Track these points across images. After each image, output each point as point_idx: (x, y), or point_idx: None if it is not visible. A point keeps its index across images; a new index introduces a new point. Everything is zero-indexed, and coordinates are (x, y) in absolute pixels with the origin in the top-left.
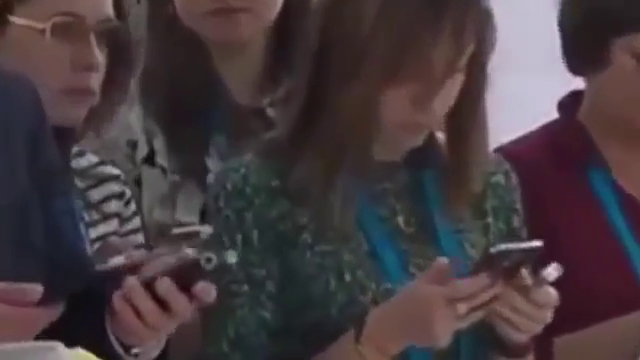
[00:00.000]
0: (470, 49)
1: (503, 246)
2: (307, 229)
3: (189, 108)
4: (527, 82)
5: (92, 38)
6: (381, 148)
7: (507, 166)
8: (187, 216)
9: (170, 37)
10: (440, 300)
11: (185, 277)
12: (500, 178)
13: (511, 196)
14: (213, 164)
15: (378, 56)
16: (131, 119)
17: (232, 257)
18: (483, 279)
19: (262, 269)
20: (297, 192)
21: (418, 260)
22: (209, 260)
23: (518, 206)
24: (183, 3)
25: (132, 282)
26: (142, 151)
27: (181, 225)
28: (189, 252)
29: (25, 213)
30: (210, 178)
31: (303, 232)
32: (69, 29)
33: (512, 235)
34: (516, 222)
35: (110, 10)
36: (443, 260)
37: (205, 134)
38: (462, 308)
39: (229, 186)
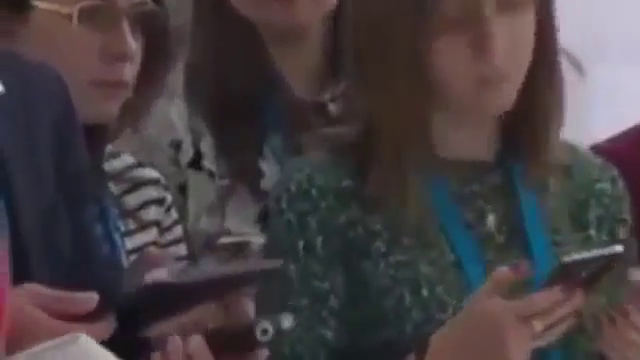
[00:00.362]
0: None
1: (578, 255)
2: (380, 236)
3: (241, 104)
4: (622, 73)
5: (125, 24)
6: (463, 139)
7: (614, 172)
8: (238, 225)
9: (219, 24)
10: (512, 317)
11: (234, 342)
12: (606, 185)
13: (618, 205)
14: (268, 167)
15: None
16: (174, 117)
17: (288, 322)
18: (557, 292)
19: (325, 282)
20: (372, 194)
21: None
22: (265, 332)
23: (626, 216)
24: None
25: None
26: (187, 153)
27: (229, 235)
28: (244, 312)
29: (53, 220)
30: (264, 182)
31: (376, 240)
32: (98, 14)
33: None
34: (622, 233)
35: None
36: (504, 269)
37: (259, 133)
38: (538, 325)
39: (293, 187)
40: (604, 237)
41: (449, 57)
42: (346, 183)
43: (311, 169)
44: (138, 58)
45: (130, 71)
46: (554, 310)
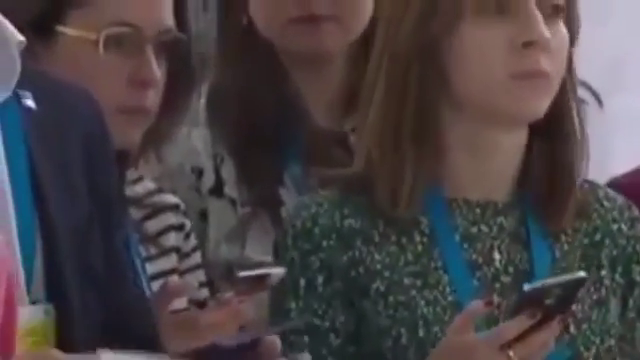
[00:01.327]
0: None
1: (539, 283)
2: (381, 276)
3: (263, 132)
4: None
5: (150, 51)
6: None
7: (635, 213)
8: (258, 253)
9: (243, 51)
10: (487, 349)
11: None
12: (623, 226)
13: (634, 247)
14: (288, 196)
15: None
16: (197, 144)
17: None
18: (524, 320)
19: (325, 320)
20: (382, 230)
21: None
22: None
23: None
24: (261, 11)
25: None
26: (209, 180)
27: (250, 266)
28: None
29: (87, 240)
30: (284, 211)
31: (376, 279)
32: (125, 41)
33: (633, 288)
34: (637, 275)
35: (170, 20)
36: (478, 302)
37: (280, 162)
38: (515, 355)
39: (298, 225)
40: (618, 278)
41: (481, 44)
42: (349, 222)
43: (316, 207)
44: (161, 85)
45: (154, 98)
46: (531, 339)
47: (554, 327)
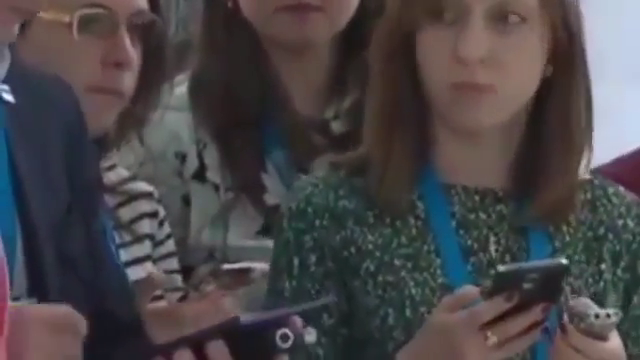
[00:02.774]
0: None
1: (515, 265)
2: (372, 256)
3: (246, 118)
4: (623, 92)
5: (124, 32)
6: (471, 166)
7: None
8: (241, 238)
9: (227, 36)
10: (464, 328)
11: (254, 346)
12: (629, 222)
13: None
14: (270, 182)
15: None
16: (181, 129)
17: (311, 336)
18: (501, 302)
19: (318, 300)
20: (377, 212)
21: None
22: (285, 338)
23: None
24: None
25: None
26: (192, 165)
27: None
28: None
29: (66, 231)
30: (267, 197)
31: (366, 259)
32: (98, 22)
33: (638, 285)
34: None
35: (144, 2)
36: (470, 287)
37: (262, 148)
38: (493, 337)
39: (293, 206)
40: (620, 273)
41: (430, 51)
42: (343, 203)
43: (312, 188)
44: (136, 67)
45: (128, 80)
46: (509, 323)
47: (535, 313)
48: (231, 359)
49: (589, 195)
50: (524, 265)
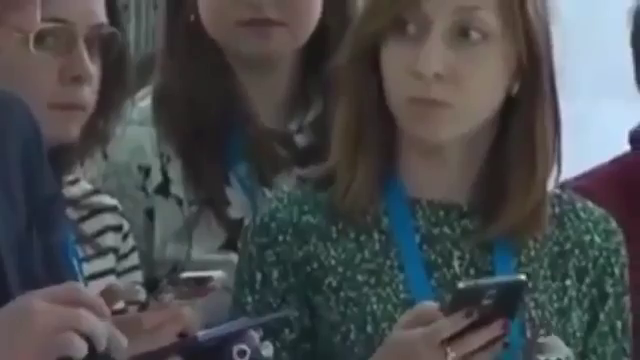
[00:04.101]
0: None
1: (473, 281)
2: (334, 272)
3: (209, 132)
4: (596, 107)
5: (82, 46)
6: (435, 180)
7: (611, 226)
8: (204, 252)
9: (189, 49)
10: (424, 345)
11: None
12: (596, 238)
13: (607, 259)
14: (234, 195)
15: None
16: (144, 142)
17: (267, 351)
18: (460, 318)
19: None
20: (341, 227)
21: None
22: (242, 354)
23: (616, 270)
24: (211, 11)
25: None
26: (155, 179)
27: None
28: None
29: (27, 246)
30: (231, 211)
31: (329, 275)
32: (55, 37)
33: (605, 301)
34: (609, 287)
35: (102, 15)
36: (429, 303)
37: (226, 161)
38: (452, 354)
39: (257, 220)
40: (584, 289)
41: (392, 64)
42: (307, 218)
43: (277, 203)
44: (96, 80)
45: (88, 93)
46: (468, 337)
47: (494, 329)
48: None
49: (557, 210)
50: (483, 281)
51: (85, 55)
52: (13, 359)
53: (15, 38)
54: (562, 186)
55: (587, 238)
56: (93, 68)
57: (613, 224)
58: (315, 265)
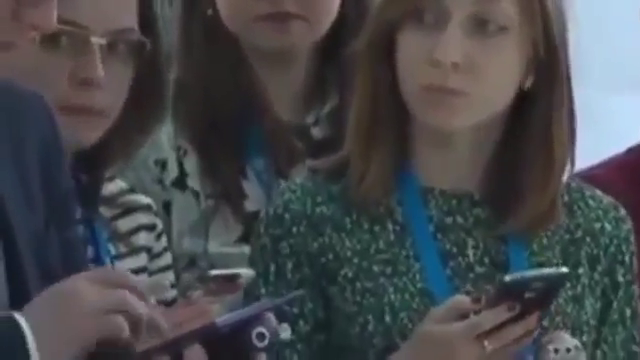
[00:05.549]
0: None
1: (519, 274)
2: (350, 263)
3: (225, 125)
4: (609, 99)
5: (95, 50)
6: (447, 169)
7: (621, 214)
8: (221, 246)
9: (207, 43)
10: (462, 338)
11: (231, 346)
12: (606, 225)
13: (618, 247)
14: (251, 188)
15: None
16: (161, 136)
17: (286, 333)
18: (503, 312)
19: (294, 307)
20: (355, 218)
21: None
22: (261, 337)
23: (627, 258)
24: (230, 5)
25: None
26: (172, 172)
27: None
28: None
29: (44, 243)
30: (248, 204)
31: (345, 266)
32: (65, 39)
33: (617, 290)
34: (620, 276)
35: (128, 21)
36: (464, 298)
37: (243, 155)
38: (490, 345)
39: (270, 212)
40: (597, 277)
41: (408, 52)
42: (321, 209)
43: (289, 194)
44: (121, 86)
45: (102, 98)
46: (506, 330)
47: (531, 321)
48: None
49: (566, 198)
50: (528, 274)
51: (97, 59)
52: (61, 339)
53: (31, 36)
54: (575, 176)
55: (597, 226)
56: (114, 74)
57: (622, 212)
58: (330, 256)
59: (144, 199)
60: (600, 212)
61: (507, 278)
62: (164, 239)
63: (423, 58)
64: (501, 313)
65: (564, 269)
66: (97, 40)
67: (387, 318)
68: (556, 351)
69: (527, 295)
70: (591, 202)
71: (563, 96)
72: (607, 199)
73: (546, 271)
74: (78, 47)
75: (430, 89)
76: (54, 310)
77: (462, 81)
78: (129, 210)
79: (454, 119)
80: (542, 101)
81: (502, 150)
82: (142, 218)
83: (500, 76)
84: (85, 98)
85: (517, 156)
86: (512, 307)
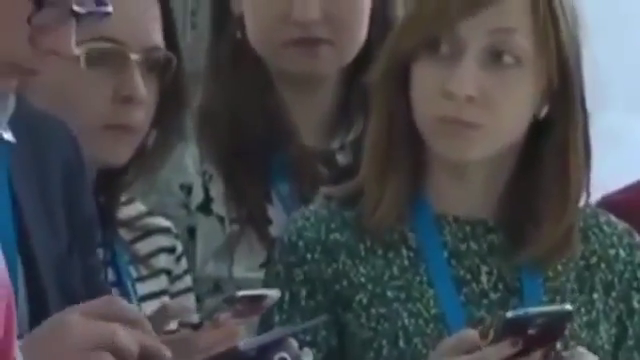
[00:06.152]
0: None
1: (522, 311)
2: (364, 289)
3: (251, 150)
4: (631, 121)
5: (135, 67)
6: (461, 196)
7: (635, 240)
8: (246, 271)
9: (235, 67)
10: None
11: None
12: (621, 252)
13: (633, 273)
14: (276, 214)
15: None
16: (187, 160)
17: (308, 357)
18: (506, 347)
19: (307, 334)
20: (369, 245)
21: None
22: None
23: None
24: (260, 30)
25: None
26: (197, 197)
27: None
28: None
29: (66, 267)
30: (273, 229)
31: (359, 292)
32: (107, 56)
33: (632, 316)
34: (636, 302)
35: (158, 38)
36: (470, 332)
37: (268, 180)
38: None
39: (285, 239)
40: (611, 302)
41: (422, 82)
42: (335, 236)
43: (303, 221)
44: (152, 103)
45: (141, 115)
46: None
47: (535, 357)
48: None
49: (581, 224)
50: (530, 311)
51: (137, 76)
52: None
53: (54, 60)
54: (604, 200)
55: (612, 252)
56: (144, 89)
57: (637, 238)
58: (345, 283)
59: (163, 222)
60: (615, 238)
61: (509, 314)
62: (184, 261)
63: (438, 90)
64: (504, 349)
65: (568, 306)
66: (135, 57)
67: (401, 343)
68: None
69: (530, 331)
70: (606, 228)
71: (578, 123)
72: (622, 225)
73: (549, 308)
74: (117, 64)
75: (444, 121)
76: (43, 344)
77: (477, 114)
78: (149, 232)
79: (469, 151)
80: (557, 128)
81: (517, 178)
82: (162, 240)
83: (515, 108)
84: (126, 115)
85: (533, 184)
86: (515, 343)
